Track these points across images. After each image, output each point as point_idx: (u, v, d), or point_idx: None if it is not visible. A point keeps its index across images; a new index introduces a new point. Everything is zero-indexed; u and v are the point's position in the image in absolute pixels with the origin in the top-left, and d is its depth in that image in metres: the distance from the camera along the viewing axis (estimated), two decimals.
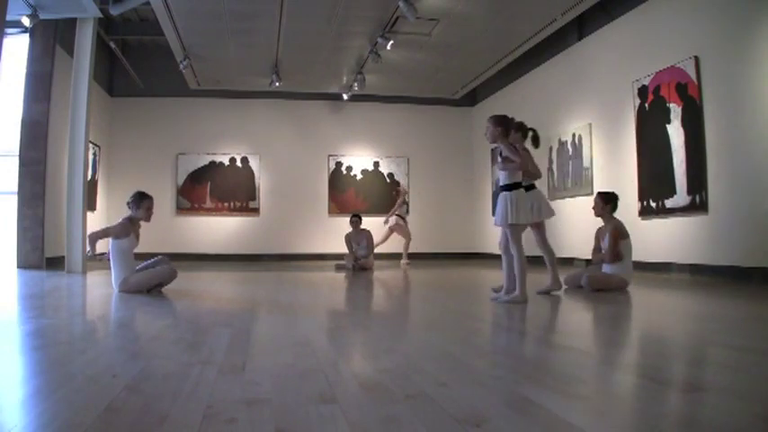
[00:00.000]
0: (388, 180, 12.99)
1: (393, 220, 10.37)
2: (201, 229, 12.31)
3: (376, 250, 9.26)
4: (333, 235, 11.80)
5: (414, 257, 10.85)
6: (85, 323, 3.62)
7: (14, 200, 8.36)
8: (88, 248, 5.06)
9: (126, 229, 5.05)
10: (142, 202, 5.13)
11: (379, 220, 10.63)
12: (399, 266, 9.73)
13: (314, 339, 2.83)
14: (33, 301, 4.65)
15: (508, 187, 4.27)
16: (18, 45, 8.48)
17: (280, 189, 12.63)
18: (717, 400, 1.78)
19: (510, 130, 4.40)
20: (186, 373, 2.05)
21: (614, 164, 8.14)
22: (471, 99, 13.24)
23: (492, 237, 12.23)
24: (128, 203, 5.17)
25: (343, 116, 12.95)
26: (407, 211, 10.67)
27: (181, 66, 9.99)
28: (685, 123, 6.71)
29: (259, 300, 4.75)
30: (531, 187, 4.80)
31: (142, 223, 5.26)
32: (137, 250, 5.18)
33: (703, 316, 3.88)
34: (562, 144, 9.48)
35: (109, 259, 5.08)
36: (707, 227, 6.41)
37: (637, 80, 7.53)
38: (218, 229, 12.38)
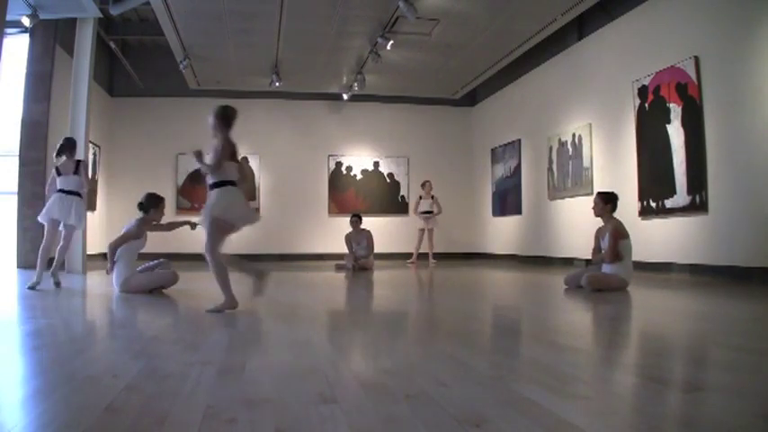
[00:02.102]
0: (387, 180, 12.99)
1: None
2: (202, 228, 12.28)
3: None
4: (333, 235, 11.79)
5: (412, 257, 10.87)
6: (85, 323, 3.62)
7: (14, 200, 8.36)
8: (108, 265, 5.02)
9: (141, 231, 5.11)
10: (160, 202, 5.27)
11: (379, 220, 10.60)
12: (401, 266, 9.72)
13: (314, 339, 2.83)
14: (33, 300, 4.65)
15: (217, 185, 3.95)
16: (18, 45, 8.48)
17: (280, 189, 12.62)
18: (717, 400, 1.78)
19: (232, 123, 4.04)
20: (186, 373, 2.05)
21: (614, 164, 8.14)
22: (471, 99, 13.24)
23: (492, 237, 12.24)
24: (140, 204, 5.19)
25: (343, 116, 12.94)
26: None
27: (181, 66, 10.00)
28: (685, 123, 6.70)
29: (259, 300, 4.75)
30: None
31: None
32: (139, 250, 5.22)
33: (703, 316, 3.87)
34: (562, 144, 9.47)
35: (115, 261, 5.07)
36: (707, 227, 6.41)
37: (637, 80, 7.52)
38: None
